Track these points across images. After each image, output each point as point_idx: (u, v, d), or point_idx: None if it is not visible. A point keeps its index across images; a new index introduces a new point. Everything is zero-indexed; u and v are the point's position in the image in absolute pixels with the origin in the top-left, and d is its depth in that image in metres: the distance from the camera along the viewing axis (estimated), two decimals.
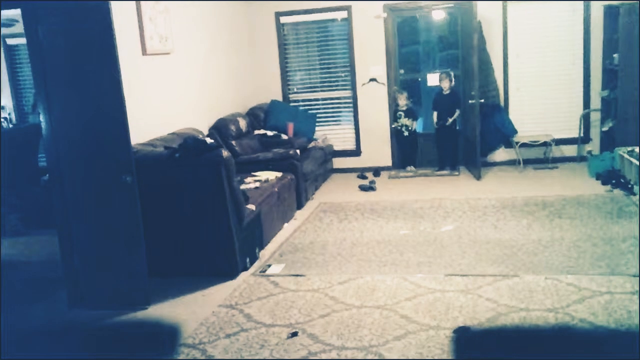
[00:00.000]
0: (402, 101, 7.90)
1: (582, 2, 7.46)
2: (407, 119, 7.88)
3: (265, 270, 4.77)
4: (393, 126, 8.03)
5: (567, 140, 7.76)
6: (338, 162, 8.39)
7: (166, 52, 5.85)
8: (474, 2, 6.97)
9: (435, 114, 7.80)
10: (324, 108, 8.45)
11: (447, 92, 7.71)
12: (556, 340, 3.38)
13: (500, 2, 7.61)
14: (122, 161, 4.02)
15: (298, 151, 6.81)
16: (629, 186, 6.14)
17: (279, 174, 6.14)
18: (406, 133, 7.91)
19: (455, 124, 7.82)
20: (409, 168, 8.04)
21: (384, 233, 5.49)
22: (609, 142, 7.22)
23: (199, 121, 6.49)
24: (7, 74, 7.72)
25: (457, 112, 7.72)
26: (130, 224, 4.09)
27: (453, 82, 7.74)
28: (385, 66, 8.03)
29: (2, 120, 7.40)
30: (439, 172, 7.76)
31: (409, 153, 8.10)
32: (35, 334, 4.01)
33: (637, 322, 3.44)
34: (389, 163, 8.22)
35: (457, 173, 7.67)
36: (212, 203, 4.54)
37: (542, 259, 4.53)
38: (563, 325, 3.49)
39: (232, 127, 6.83)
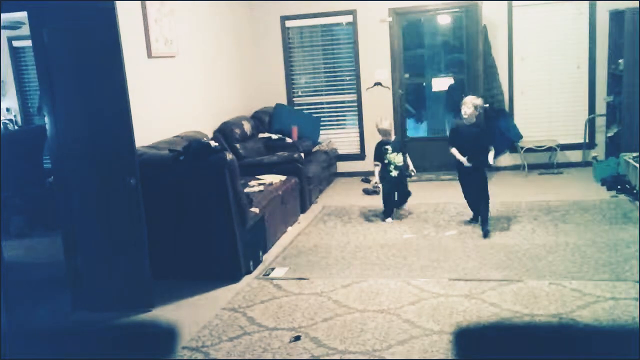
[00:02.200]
0: (390, 135, 6.11)
1: (588, 6, 7.45)
2: (395, 154, 5.99)
3: (269, 274, 4.76)
4: (377, 164, 6.10)
5: (572, 145, 7.74)
6: (342, 166, 8.38)
7: (171, 54, 5.86)
8: (479, 4, 6.97)
9: (454, 150, 5.58)
10: (329, 112, 8.45)
11: (471, 121, 5.55)
12: (557, 341, 3.37)
13: (506, 5, 7.61)
14: (127, 163, 4.03)
15: (302, 155, 6.82)
16: (634, 192, 6.12)
17: (283, 178, 6.14)
18: (394, 173, 5.96)
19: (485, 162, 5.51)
20: (391, 218, 6.03)
21: (387, 237, 5.48)
22: (614, 147, 7.20)
23: (204, 124, 6.50)
24: (13, 75, 7.77)
25: (492, 151, 5.49)
26: (134, 226, 4.09)
27: (478, 110, 5.55)
28: (390, 70, 8.02)
29: (4, 121, 7.43)
30: (477, 231, 5.43)
31: (395, 197, 6.14)
32: (39, 335, 4.02)
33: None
34: None
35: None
36: (216, 206, 4.54)
37: (546, 264, 4.52)
38: (564, 325, 3.48)
39: (237, 131, 6.84)
